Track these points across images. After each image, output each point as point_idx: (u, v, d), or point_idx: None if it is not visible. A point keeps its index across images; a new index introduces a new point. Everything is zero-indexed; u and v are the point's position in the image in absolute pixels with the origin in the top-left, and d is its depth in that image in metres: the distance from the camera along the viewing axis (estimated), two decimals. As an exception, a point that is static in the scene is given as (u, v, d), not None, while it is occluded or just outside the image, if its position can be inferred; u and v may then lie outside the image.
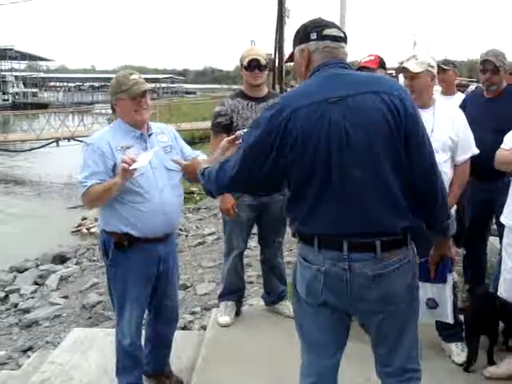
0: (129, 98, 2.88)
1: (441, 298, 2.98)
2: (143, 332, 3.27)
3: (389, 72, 4.18)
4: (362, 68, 3.74)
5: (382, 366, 2.24)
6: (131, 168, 2.72)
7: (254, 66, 3.73)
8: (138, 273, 2.97)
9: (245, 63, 3.74)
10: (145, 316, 3.27)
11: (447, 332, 3.43)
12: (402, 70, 3.23)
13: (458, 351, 3.37)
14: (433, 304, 3.00)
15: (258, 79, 3.77)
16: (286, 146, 1.98)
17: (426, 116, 3.20)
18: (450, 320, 3.07)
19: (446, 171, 3.08)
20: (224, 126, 3.76)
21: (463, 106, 3.97)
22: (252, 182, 2.12)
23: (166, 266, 3.10)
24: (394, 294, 2.07)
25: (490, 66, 3.93)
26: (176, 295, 3.38)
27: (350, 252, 2.01)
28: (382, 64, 3.75)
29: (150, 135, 3.01)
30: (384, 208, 1.99)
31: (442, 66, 5.18)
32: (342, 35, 2.09)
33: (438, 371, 3.20)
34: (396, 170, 1.98)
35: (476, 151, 3.29)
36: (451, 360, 3.37)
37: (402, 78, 3.34)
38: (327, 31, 2.05)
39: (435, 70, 3.27)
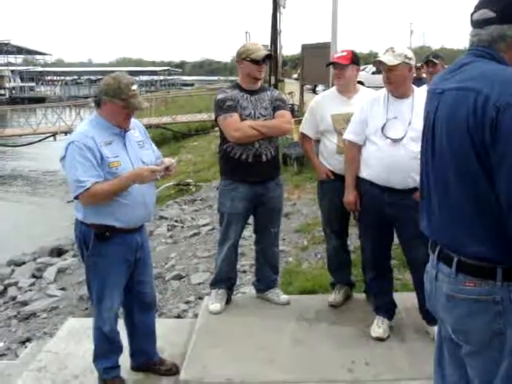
0: (123, 106, 2.92)
1: None
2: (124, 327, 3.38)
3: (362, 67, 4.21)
4: (332, 63, 3.84)
5: None
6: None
7: (263, 60, 3.79)
8: (117, 261, 3.07)
9: (255, 57, 3.76)
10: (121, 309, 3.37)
11: (431, 315, 3.50)
12: (378, 63, 3.30)
13: None
14: None
15: (262, 73, 3.87)
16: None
17: (403, 106, 3.30)
18: None
19: None
20: (234, 108, 3.82)
21: None
22: None
23: (142, 253, 3.21)
24: (468, 333, 1.80)
25: None
26: (152, 282, 3.47)
27: (438, 260, 1.89)
28: (354, 60, 3.79)
29: (126, 131, 3.06)
30: (451, 223, 1.80)
31: (433, 59, 5.27)
32: (474, 19, 1.79)
33: (421, 352, 3.30)
34: (463, 181, 1.71)
35: None
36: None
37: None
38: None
39: (413, 62, 3.31)
